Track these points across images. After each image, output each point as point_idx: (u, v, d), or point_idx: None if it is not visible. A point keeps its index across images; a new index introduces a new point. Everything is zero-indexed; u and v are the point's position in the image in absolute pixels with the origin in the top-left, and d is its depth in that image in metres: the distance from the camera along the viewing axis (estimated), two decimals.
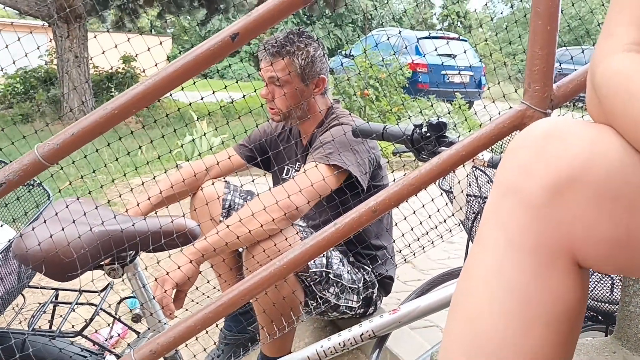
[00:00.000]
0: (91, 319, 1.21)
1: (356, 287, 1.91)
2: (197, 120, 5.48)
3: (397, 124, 1.35)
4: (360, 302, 1.95)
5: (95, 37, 1.12)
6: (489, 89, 1.30)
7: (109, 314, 1.29)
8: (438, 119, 1.22)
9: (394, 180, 1.27)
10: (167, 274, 1.36)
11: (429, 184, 0.98)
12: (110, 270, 1.15)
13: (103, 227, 1.01)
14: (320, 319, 2.02)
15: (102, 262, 1.14)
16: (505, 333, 0.65)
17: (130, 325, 1.30)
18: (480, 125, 1.36)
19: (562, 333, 0.66)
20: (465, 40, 12.44)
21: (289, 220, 1.62)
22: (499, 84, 1.38)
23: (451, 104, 8.03)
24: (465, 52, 1.63)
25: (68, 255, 0.97)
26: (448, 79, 11.70)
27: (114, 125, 0.90)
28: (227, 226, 1.54)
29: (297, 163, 2.04)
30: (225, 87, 1.15)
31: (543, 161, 0.65)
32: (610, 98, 0.67)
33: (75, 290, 1.28)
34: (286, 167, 2.08)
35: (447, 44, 1.84)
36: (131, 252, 1.13)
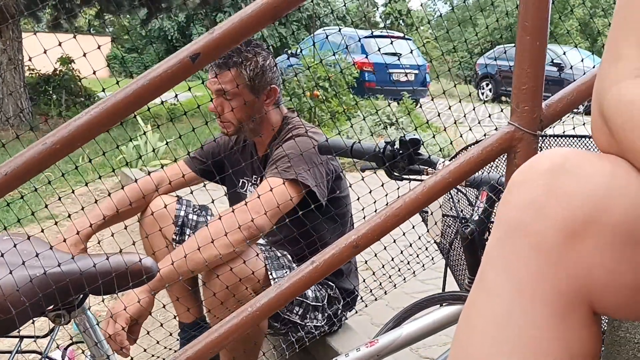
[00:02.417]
0: None
1: (320, 304, 1.82)
2: (148, 128, 5.24)
3: (351, 125, 1.26)
4: (326, 320, 1.86)
5: (35, 33, 0.98)
6: (444, 92, 1.24)
7: None
8: (414, 136, 1.14)
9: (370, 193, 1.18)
10: (110, 314, 1.23)
11: (414, 214, 0.90)
12: (55, 318, 1.02)
13: (45, 275, 0.88)
14: (283, 339, 1.92)
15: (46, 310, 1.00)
16: None
17: None
18: (428, 123, 1.30)
19: None
20: (410, 39, 12.58)
21: (249, 241, 1.52)
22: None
23: (398, 103, 8.06)
24: (412, 51, 1.57)
25: (5, 312, 0.84)
26: (394, 77, 11.79)
27: (55, 162, 0.78)
28: (185, 254, 1.42)
29: (254, 176, 1.94)
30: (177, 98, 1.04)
31: (555, 199, 0.58)
32: (628, 131, 0.61)
33: (15, 337, 1.14)
34: (242, 181, 1.97)
35: (392, 43, 1.76)
36: (79, 296, 1.00)
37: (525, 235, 0.59)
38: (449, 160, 1.03)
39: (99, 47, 0.94)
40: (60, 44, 0.93)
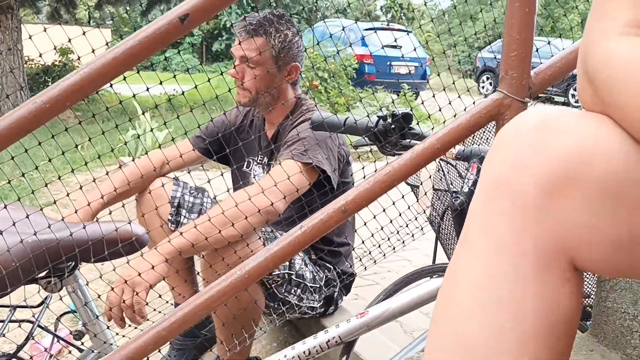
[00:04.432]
0: (27, 339, 1.08)
1: (318, 286, 1.83)
2: (143, 114, 5.23)
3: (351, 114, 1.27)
4: (322, 302, 1.87)
5: (29, 34, 0.98)
6: (439, 75, 1.24)
7: (48, 330, 1.16)
8: (407, 110, 1.14)
9: (362, 169, 1.19)
10: (122, 280, 1.23)
11: (402, 181, 0.90)
12: (46, 285, 1.02)
13: (36, 237, 0.88)
14: (278, 318, 1.93)
15: (37, 276, 1.01)
16: (498, 348, 0.59)
17: (72, 343, 1.17)
18: (429, 117, 1.30)
19: (559, 345, 0.60)
20: (410, 32, 12.56)
21: (266, 222, 1.52)
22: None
23: (398, 95, 8.05)
24: (414, 48, 1.58)
25: None
26: (393, 69, 11.78)
27: (45, 122, 0.78)
28: (209, 219, 1.41)
29: (260, 156, 1.93)
30: (175, 76, 1.05)
31: (538, 156, 0.58)
32: (611, 87, 0.61)
33: (8, 306, 1.14)
34: (247, 160, 1.96)
35: (394, 39, 1.76)
36: (70, 263, 1.01)
37: (507, 192, 0.59)
38: None
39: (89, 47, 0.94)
40: (53, 43, 0.93)
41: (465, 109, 0.93)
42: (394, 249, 1.18)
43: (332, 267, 1.88)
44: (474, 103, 1.16)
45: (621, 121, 0.59)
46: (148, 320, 1.25)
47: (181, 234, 1.42)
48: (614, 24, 0.65)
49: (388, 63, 11.46)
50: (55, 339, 1.14)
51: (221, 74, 1.35)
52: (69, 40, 0.92)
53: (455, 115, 0.90)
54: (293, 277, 1.70)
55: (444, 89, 1.19)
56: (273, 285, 1.66)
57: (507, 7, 0.89)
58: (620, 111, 0.59)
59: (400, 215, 1.09)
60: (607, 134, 0.58)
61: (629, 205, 0.57)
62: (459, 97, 1.14)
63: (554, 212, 0.57)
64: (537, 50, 1.27)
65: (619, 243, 0.58)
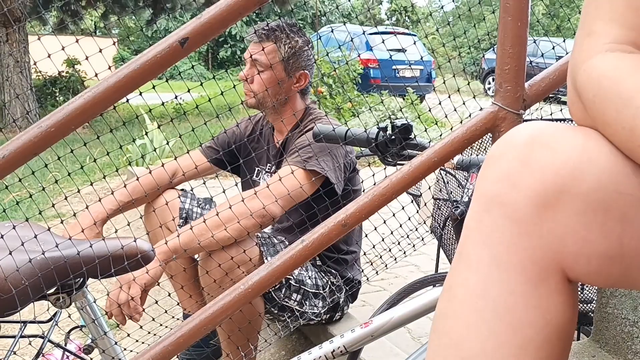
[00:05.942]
0: (38, 354, 1.10)
1: (321, 292, 1.83)
2: (158, 127, 5.25)
3: (357, 120, 1.28)
4: (326, 308, 1.88)
5: (39, 38, 1.01)
6: (444, 82, 1.26)
7: (58, 345, 1.18)
8: (407, 122, 1.16)
9: (373, 176, 1.20)
10: (119, 284, 1.26)
11: (401, 193, 0.92)
12: (55, 301, 1.05)
13: (44, 256, 0.91)
14: (283, 325, 1.94)
15: (46, 293, 1.03)
16: (496, 358, 0.60)
17: (82, 357, 1.19)
18: (436, 123, 1.32)
19: (555, 353, 0.61)
20: (415, 35, 12.55)
21: (262, 228, 1.54)
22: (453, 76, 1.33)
23: (403, 99, 8.05)
24: (415, 43, 1.59)
25: (6, 291, 0.87)
26: (399, 73, 11.77)
27: (51, 145, 0.80)
28: (206, 223, 1.44)
29: (269, 164, 1.95)
30: (188, 90, 1.07)
31: (529, 171, 0.60)
32: (598, 103, 0.62)
33: (19, 322, 1.17)
34: (257, 169, 1.98)
35: (399, 40, 1.77)
36: (78, 280, 1.03)
37: (501, 207, 0.61)
38: None
39: (100, 51, 0.97)
40: (63, 48, 0.96)
41: (470, 115, 0.94)
42: (395, 259, 1.20)
43: (337, 273, 1.89)
44: (481, 109, 1.18)
45: (609, 136, 0.61)
46: (155, 335, 1.27)
47: (178, 236, 1.45)
48: (601, 41, 0.67)
49: (393, 67, 11.46)
50: (66, 354, 1.16)
51: (234, 86, 1.38)
52: (86, 58, 0.94)
53: (451, 128, 0.91)
54: (292, 282, 1.72)
55: (448, 96, 1.20)
56: (271, 290, 1.68)
57: (500, 21, 0.90)
58: (608, 127, 0.61)
59: (401, 226, 1.11)
60: (596, 148, 0.60)
61: (618, 217, 0.58)
62: (464, 103, 1.15)
63: (546, 226, 0.59)
64: (542, 55, 1.28)
65: (609, 254, 0.59)
